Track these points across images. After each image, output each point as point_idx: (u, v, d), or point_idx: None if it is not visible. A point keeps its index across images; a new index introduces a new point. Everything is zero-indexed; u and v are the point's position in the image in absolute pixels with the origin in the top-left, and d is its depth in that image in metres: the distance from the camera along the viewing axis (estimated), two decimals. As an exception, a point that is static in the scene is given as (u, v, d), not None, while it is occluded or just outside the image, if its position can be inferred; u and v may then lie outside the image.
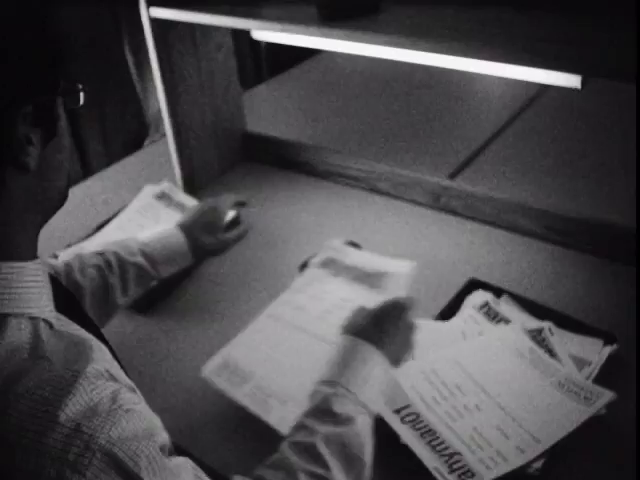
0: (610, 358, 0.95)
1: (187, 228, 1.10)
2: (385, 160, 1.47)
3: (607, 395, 0.87)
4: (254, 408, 0.92)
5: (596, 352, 0.96)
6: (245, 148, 1.63)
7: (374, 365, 0.79)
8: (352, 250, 1.15)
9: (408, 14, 1.04)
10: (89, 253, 1.03)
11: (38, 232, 0.65)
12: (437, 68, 1.08)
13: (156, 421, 0.59)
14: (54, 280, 0.67)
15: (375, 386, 0.79)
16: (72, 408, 0.51)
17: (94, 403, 0.53)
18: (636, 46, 0.76)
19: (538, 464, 0.82)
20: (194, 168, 1.50)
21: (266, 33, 1.24)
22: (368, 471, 0.74)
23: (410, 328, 0.87)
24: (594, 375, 0.93)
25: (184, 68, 1.39)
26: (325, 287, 1.09)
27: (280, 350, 0.99)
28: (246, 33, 1.28)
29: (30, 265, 0.61)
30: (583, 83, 0.92)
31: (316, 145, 1.58)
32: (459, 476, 0.82)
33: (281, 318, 1.04)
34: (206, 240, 1.11)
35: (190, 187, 1.49)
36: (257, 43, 2.75)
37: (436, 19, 1.00)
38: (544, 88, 1.78)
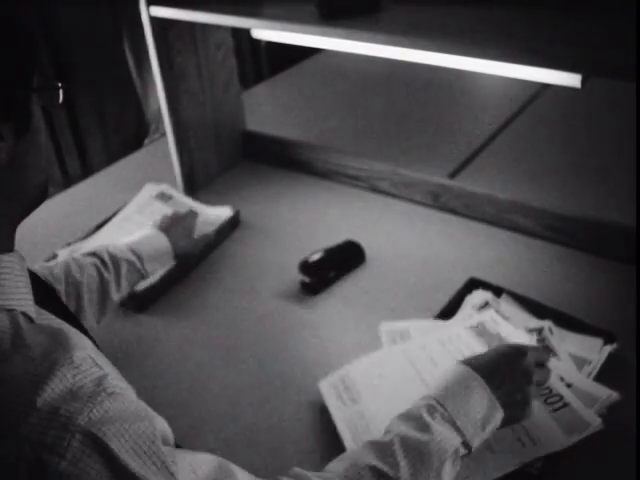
0: (610, 357, 0.95)
1: (167, 232, 1.19)
2: (385, 159, 1.47)
3: (607, 394, 0.87)
4: (344, 432, 0.89)
5: (596, 351, 0.97)
6: (245, 147, 1.63)
7: (476, 395, 0.75)
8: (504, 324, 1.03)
9: (408, 13, 1.04)
10: (82, 255, 1.07)
11: (15, 226, 0.65)
12: (437, 67, 1.08)
13: (149, 411, 0.59)
14: (33, 275, 0.67)
15: (474, 417, 0.74)
16: (50, 394, 0.51)
17: (76, 387, 0.53)
18: (636, 45, 0.76)
19: (538, 463, 0.82)
20: (194, 167, 1.50)
21: (266, 32, 1.23)
22: None
23: (526, 377, 0.80)
24: (594, 374, 0.93)
25: (184, 67, 1.39)
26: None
27: (397, 392, 0.94)
28: (246, 32, 1.28)
29: (4, 257, 0.61)
30: (583, 82, 0.92)
31: (316, 144, 1.58)
32: (459, 475, 0.81)
33: (414, 362, 0.98)
34: (182, 244, 1.21)
35: (190, 186, 1.49)
36: (257, 42, 2.75)
37: (436, 18, 1.00)
38: (544, 87, 1.78)
